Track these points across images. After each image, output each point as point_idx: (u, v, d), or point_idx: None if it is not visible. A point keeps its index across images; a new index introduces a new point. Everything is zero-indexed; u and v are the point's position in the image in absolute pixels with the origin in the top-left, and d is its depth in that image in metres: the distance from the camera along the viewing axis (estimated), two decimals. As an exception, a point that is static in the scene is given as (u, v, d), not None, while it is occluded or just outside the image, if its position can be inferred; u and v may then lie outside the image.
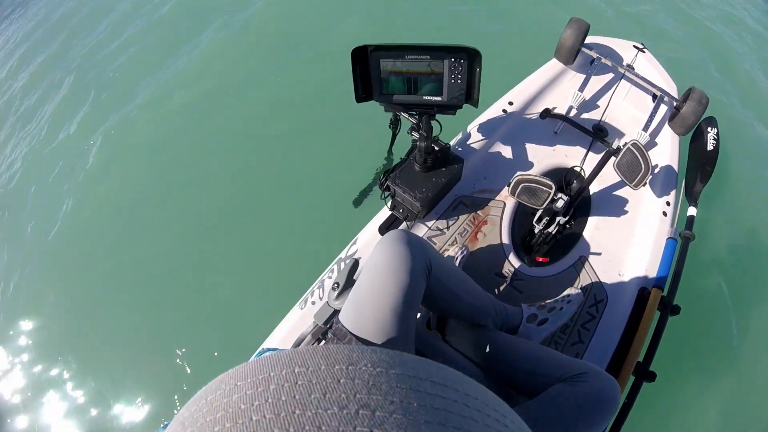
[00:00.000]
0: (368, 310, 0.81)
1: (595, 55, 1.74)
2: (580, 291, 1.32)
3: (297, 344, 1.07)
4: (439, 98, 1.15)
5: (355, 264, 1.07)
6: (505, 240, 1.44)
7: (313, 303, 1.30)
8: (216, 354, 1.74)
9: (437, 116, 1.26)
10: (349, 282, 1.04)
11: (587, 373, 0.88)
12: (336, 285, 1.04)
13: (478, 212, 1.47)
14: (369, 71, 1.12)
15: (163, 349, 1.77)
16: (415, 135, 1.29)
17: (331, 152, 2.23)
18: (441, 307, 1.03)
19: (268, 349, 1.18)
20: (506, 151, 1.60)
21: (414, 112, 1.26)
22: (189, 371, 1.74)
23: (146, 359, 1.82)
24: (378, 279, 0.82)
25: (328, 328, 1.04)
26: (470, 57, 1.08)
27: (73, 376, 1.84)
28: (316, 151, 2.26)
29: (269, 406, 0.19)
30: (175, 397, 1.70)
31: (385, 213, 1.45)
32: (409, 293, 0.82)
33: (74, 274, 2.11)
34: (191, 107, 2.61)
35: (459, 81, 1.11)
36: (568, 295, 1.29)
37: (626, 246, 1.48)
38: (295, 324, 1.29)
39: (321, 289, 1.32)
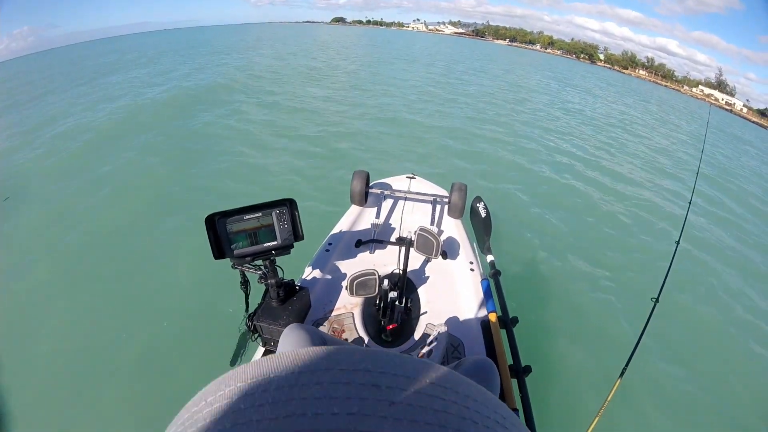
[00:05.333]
0: None
1: (379, 192, 2.33)
2: (442, 331, 1.56)
3: None
4: (275, 242, 1.52)
5: None
6: (364, 337, 1.71)
7: None
8: None
9: (278, 260, 1.59)
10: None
11: (462, 360, 1.13)
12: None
13: (335, 326, 1.75)
14: (219, 234, 1.42)
15: None
16: (265, 280, 1.59)
17: (195, 324, 2.51)
18: None
19: None
20: (339, 278, 1.97)
21: (259, 262, 1.57)
22: None
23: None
24: None
25: None
26: (290, 205, 1.51)
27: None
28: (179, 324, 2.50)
29: (269, 407, 0.19)
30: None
31: (259, 352, 1.62)
32: None
33: None
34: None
35: (286, 225, 1.52)
36: (435, 330, 1.56)
37: (455, 301, 1.87)
38: None
39: None
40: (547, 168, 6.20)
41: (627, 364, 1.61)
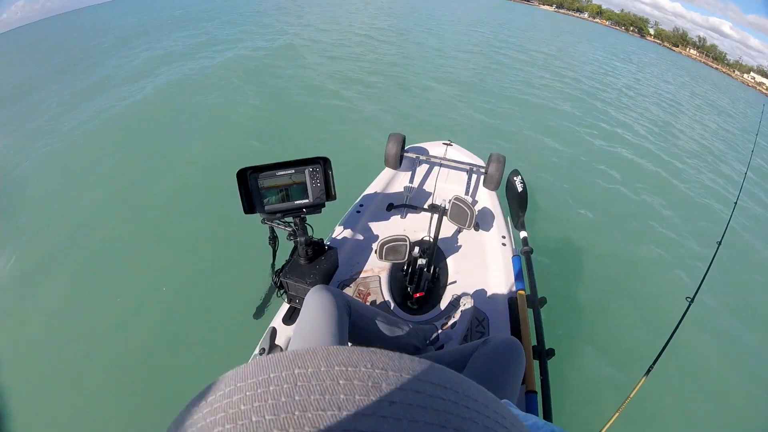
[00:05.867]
0: (311, 340, 1.03)
1: (414, 156, 2.30)
2: (468, 304, 1.57)
3: None
4: (306, 200, 1.52)
5: (274, 330, 1.25)
6: (389, 302, 1.72)
7: None
8: None
9: (309, 220, 1.60)
10: (272, 346, 1.21)
11: (489, 337, 1.13)
12: (262, 350, 1.19)
13: (360, 288, 1.76)
14: (250, 189, 1.43)
15: None
16: (294, 237, 1.59)
17: (222, 276, 2.58)
18: (365, 334, 1.25)
19: None
20: (368, 240, 1.99)
21: (290, 219, 1.58)
22: None
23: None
24: (313, 315, 1.07)
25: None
26: (324, 164, 1.50)
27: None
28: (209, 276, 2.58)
29: (269, 407, 0.19)
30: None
31: (284, 308, 1.65)
32: (340, 322, 1.09)
33: None
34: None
35: (319, 184, 1.51)
36: (461, 301, 1.58)
37: (484, 275, 1.85)
38: None
39: None
40: (593, 147, 5.90)
41: (654, 363, 1.54)
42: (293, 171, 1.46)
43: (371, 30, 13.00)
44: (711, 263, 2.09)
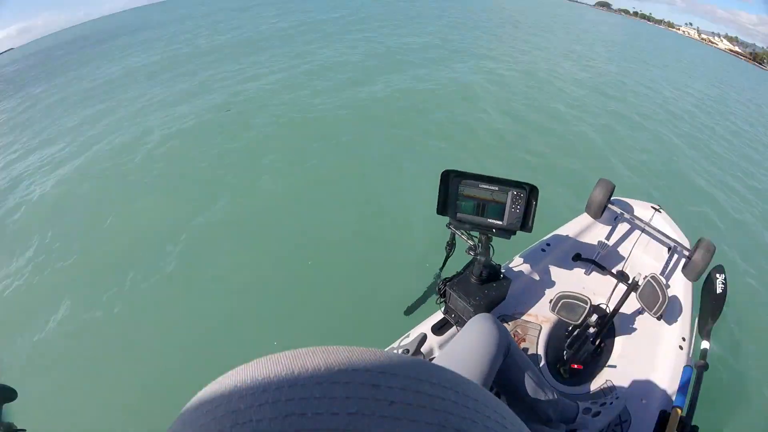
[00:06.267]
0: (460, 368, 0.98)
1: (619, 211, 2.05)
2: (618, 398, 1.38)
3: None
4: (500, 222, 1.43)
5: (424, 337, 1.22)
6: (541, 357, 1.57)
7: None
8: None
9: (493, 240, 1.52)
10: (417, 352, 1.18)
11: None
12: (405, 351, 1.18)
13: (518, 330, 1.63)
14: (448, 191, 1.42)
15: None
16: (474, 254, 1.53)
17: (388, 262, 2.64)
18: (510, 383, 1.16)
19: None
20: (543, 284, 1.82)
21: (476, 233, 1.53)
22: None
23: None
24: (471, 344, 1.02)
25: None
26: (530, 192, 1.39)
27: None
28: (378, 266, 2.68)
29: (269, 407, 0.19)
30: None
31: (437, 316, 1.62)
32: (493, 361, 1.02)
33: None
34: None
35: (518, 210, 1.40)
36: (614, 392, 1.37)
37: (648, 373, 1.58)
38: None
39: None
40: None
41: None
42: (497, 188, 1.40)
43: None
44: None
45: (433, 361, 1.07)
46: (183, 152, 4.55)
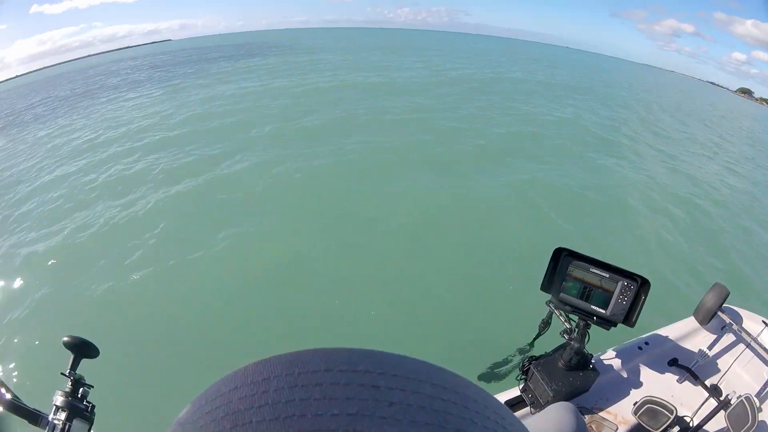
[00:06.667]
0: None
1: (728, 321, 1.89)
2: None
3: None
4: (603, 311, 1.39)
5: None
6: None
7: None
8: None
9: (591, 328, 1.46)
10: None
11: None
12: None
13: (592, 426, 1.52)
14: (556, 269, 1.42)
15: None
16: (569, 339, 1.48)
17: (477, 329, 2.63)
18: None
19: None
20: (631, 383, 1.71)
21: (574, 317, 1.48)
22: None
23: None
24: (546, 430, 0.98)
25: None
26: (641, 285, 1.34)
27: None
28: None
29: (269, 408, 0.19)
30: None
31: (512, 392, 1.58)
32: None
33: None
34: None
35: (624, 302, 1.35)
36: None
37: None
38: None
39: None
40: None
41: None
42: (608, 276, 1.37)
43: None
44: None
45: None
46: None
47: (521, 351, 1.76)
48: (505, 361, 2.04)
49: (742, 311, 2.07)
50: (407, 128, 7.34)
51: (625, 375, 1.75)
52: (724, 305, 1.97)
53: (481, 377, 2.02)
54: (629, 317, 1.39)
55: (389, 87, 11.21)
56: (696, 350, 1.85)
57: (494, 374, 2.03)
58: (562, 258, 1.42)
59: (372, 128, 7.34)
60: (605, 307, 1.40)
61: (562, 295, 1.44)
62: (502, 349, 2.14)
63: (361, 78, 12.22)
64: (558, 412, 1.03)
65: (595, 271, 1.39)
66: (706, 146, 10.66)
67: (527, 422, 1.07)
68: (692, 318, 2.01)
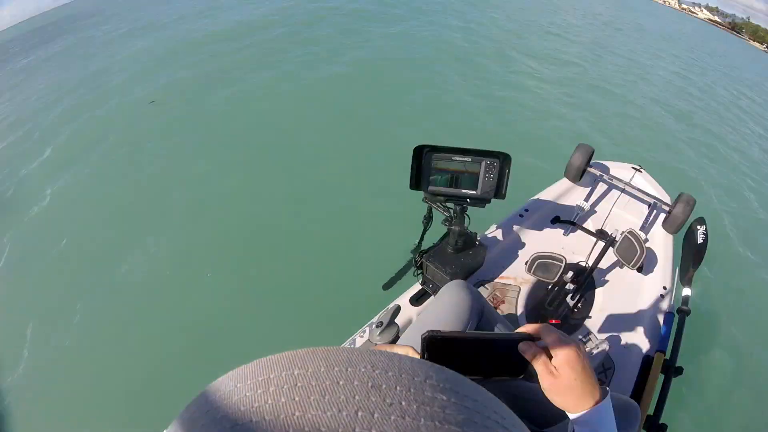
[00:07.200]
0: None
1: (598, 174, 2.08)
2: (601, 348, 1.40)
3: None
4: (473, 192, 1.44)
5: (398, 308, 1.22)
6: (520, 319, 1.62)
7: None
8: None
9: (468, 210, 1.53)
10: (392, 322, 1.18)
11: (608, 394, 0.92)
12: (380, 323, 1.17)
13: (496, 293, 1.67)
14: (422, 166, 1.42)
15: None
16: (450, 224, 1.55)
17: (366, 240, 2.64)
18: None
19: None
20: (522, 247, 1.87)
21: (451, 204, 1.53)
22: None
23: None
24: (443, 312, 1.03)
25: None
26: (503, 160, 1.40)
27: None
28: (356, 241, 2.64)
29: (268, 408, 0.19)
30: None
31: (415, 288, 1.64)
32: (466, 325, 1.03)
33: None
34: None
35: (492, 179, 1.41)
36: (596, 342, 1.39)
37: (629, 322, 1.65)
38: None
39: (353, 345, 1.41)
40: None
41: None
42: (470, 159, 1.40)
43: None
44: None
45: (408, 329, 1.08)
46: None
47: (414, 251, 1.81)
48: (403, 264, 2.11)
49: (610, 163, 2.25)
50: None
51: (513, 242, 1.89)
52: (591, 161, 2.13)
53: (385, 286, 2.08)
54: (499, 191, 1.45)
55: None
56: (574, 205, 2.00)
57: (395, 279, 2.10)
58: (424, 155, 1.41)
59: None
60: (475, 188, 1.45)
61: (432, 188, 1.45)
62: (397, 255, 2.20)
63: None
64: (450, 289, 1.08)
65: (458, 158, 1.41)
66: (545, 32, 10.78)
67: (427, 308, 1.09)
68: (564, 179, 2.16)
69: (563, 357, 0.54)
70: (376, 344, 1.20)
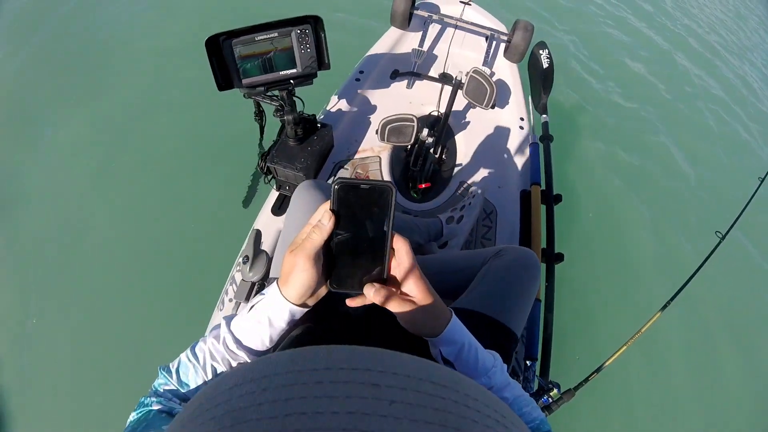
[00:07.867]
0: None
1: (426, 15, 1.95)
2: (477, 193, 1.44)
3: None
4: (294, 70, 1.23)
5: (258, 234, 1.10)
6: None
7: (230, 300, 1.25)
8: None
9: (298, 92, 1.33)
10: (257, 251, 1.06)
11: (504, 248, 0.98)
12: (246, 258, 1.05)
13: (358, 170, 1.59)
14: (225, 59, 1.14)
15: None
16: (282, 115, 1.35)
17: (205, 160, 2.10)
18: None
19: None
20: (369, 113, 1.76)
21: (276, 93, 1.32)
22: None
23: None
24: (302, 219, 0.91)
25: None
26: (314, 24, 1.18)
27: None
28: (192, 162, 2.10)
29: (269, 406, 0.19)
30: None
31: (273, 196, 1.49)
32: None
33: None
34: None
35: (309, 50, 1.20)
36: (470, 191, 1.46)
37: (497, 162, 1.70)
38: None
39: (233, 285, 1.29)
40: (648, 32, 4.56)
41: (672, 299, 1.39)
42: (276, 34, 1.15)
43: None
44: (750, 200, 1.74)
45: (276, 249, 0.96)
46: None
47: (258, 155, 1.57)
48: (251, 179, 1.89)
49: (436, 1, 2.09)
50: None
51: (358, 110, 1.76)
52: (417, 2, 1.96)
53: (245, 204, 1.88)
54: (321, 60, 1.26)
55: None
56: (410, 52, 1.89)
57: (250, 194, 1.90)
58: (222, 46, 1.12)
59: None
60: (294, 66, 1.23)
61: (245, 80, 1.20)
62: (243, 169, 1.94)
63: None
64: (299, 195, 0.97)
65: (262, 37, 1.15)
66: None
67: (285, 222, 0.98)
68: (392, 28, 1.99)
69: (413, 285, 0.50)
70: (252, 282, 1.09)
